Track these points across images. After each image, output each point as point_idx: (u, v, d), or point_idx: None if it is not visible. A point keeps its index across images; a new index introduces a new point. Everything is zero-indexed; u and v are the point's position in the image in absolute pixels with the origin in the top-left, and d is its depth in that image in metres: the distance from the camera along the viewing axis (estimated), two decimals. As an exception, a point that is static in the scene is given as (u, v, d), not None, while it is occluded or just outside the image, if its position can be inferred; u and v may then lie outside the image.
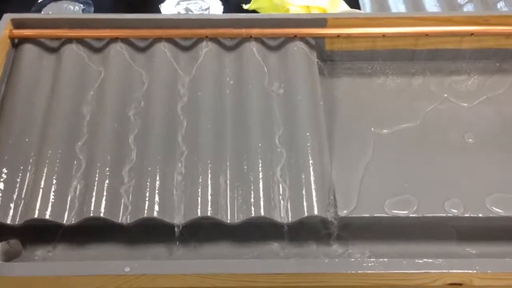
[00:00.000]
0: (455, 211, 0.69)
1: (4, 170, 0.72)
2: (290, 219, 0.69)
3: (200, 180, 0.71)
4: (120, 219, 0.69)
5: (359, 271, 0.63)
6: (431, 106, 0.83)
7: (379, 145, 0.77)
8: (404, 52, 0.88)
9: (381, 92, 0.86)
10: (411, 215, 0.69)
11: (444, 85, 0.86)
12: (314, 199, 0.69)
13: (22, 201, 0.70)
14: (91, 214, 0.68)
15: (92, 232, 0.72)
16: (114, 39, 0.84)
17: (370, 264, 0.65)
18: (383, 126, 0.80)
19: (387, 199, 0.71)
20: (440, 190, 0.71)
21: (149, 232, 0.72)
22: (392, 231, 0.71)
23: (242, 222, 0.69)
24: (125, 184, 0.71)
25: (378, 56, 0.89)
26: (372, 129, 0.79)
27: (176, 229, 0.69)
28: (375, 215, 0.69)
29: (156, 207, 0.69)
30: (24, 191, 0.71)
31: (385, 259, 0.64)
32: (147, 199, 0.70)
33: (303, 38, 0.84)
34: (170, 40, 0.85)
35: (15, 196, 0.70)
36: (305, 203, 0.69)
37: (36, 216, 0.68)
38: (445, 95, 0.84)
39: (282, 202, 0.70)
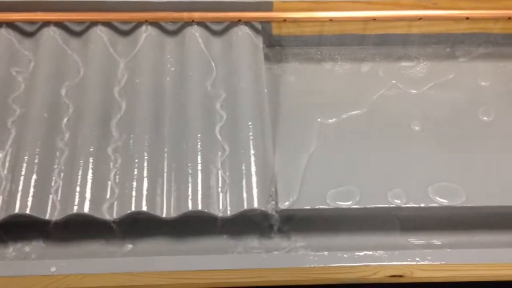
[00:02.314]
0: (398, 201, 0.67)
1: None
2: (229, 212, 0.66)
3: (135, 173, 0.68)
4: (48, 215, 0.65)
5: (298, 266, 0.62)
6: (378, 93, 0.81)
7: (324, 134, 0.75)
8: (353, 37, 0.85)
9: (329, 78, 0.83)
10: (354, 206, 0.67)
11: (393, 71, 0.84)
12: (255, 192, 0.67)
13: None
14: (16, 211, 0.64)
15: (21, 230, 0.68)
16: (46, 23, 0.79)
17: (310, 258, 0.63)
18: (329, 114, 0.78)
19: (329, 190, 0.69)
20: (384, 180, 0.69)
21: (82, 229, 0.68)
22: (335, 223, 0.69)
23: (179, 217, 0.66)
24: (54, 179, 0.67)
25: (327, 41, 0.86)
26: (319, 119, 0.76)
27: (110, 225, 0.66)
28: (317, 207, 0.67)
29: (87, 203, 0.65)
30: None
31: (326, 253, 0.63)
32: (77, 194, 0.66)
33: (248, 23, 0.81)
34: (107, 24, 0.80)
35: None
36: (245, 196, 0.67)
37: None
38: (393, 81, 0.82)
39: (221, 195, 0.67)
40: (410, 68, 0.84)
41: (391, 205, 0.67)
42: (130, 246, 0.68)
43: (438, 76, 0.83)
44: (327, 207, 0.67)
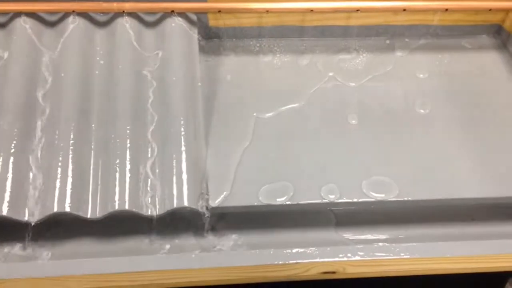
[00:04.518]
0: (332, 196, 0.66)
1: None
2: (158, 211, 0.64)
3: (58, 172, 0.64)
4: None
5: (229, 265, 0.60)
6: (316, 86, 0.79)
7: (260, 129, 0.73)
8: (292, 28, 0.84)
9: (267, 71, 0.81)
10: (287, 203, 0.66)
11: (331, 64, 0.82)
12: (185, 189, 0.64)
13: None
14: None
15: None
16: (-35, 13, 0.74)
17: (240, 257, 0.61)
18: (266, 108, 0.76)
19: (262, 186, 0.67)
20: (318, 175, 0.68)
21: (2, 232, 0.65)
22: (269, 219, 0.68)
23: (105, 217, 0.63)
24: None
25: (266, 33, 0.84)
26: (255, 113, 0.75)
27: (31, 226, 0.62)
28: (249, 204, 0.65)
29: (6, 204, 0.62)
30: None
31: (256, 251, 0.61)
32: (-3, 194, 0.62)
33: (182, 14, 0.78)
34: (31, 14, 0.76)
35: None
36: (175, 194, 0.64)
37: None
38: (331, 74, 0.81)
39: (150, 193, 0.65)
40: (349, 61, 0.83)
41: (325, 201, 0.66)
42: (52, 249, 0.65)
43: (377, 69, 0.82)
44: (259, 204, 0.65)
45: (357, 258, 0.61)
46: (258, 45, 0.84)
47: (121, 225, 0.66)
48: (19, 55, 0.73)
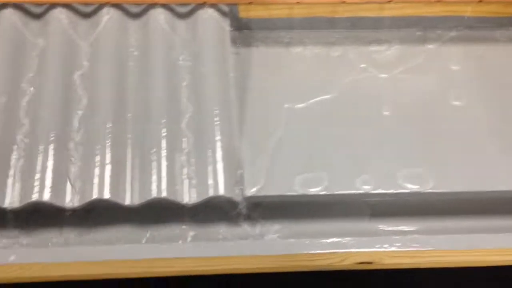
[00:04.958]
0: (367, 187, 0.66)
1: None
2: (194, 200, 0.64)
3: (97, 160, 0.65)
4: (6, 203, 0.63)
5: (264, 254, 0.60)
6: (348, 77, 0.79)
7: (292, 119, 0.74)
8: (323, 20, 0.84)
9: (298, 62, 0.81)
10: (322, 193, 0.66)
11: (363, 55, 0.82)
12: (221, 178, 0.65)
13: None
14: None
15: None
16: (3, 4, 0.75)
17: (276, 246, 0.61)
18: (298, 99, 0.76)
19: (297, 176, 0.67)
20: (352, 166, 0.68)
21: (41, 216, 0.66)
22: (303, 209, 0.68)
23: (143, 204, 0.64)
24: (13, 165, 0.64)
25: (296, 24, 0.84)
26: (286, 104, 0.75)
27: (69, 213, 0.63)
28: (284, 193, 0.65)
29: (48, 190, 0.63)
30: None
31: (292, 240, 0.61)
32: (37, 181, 0.63)
33: (214, 5, 0.78)
34: (67, 5, 0.76)
35: None
36: (210, 183, 0.65)
37: None
38: (364, 66, 0.80)
39: (186, 182, 0.65)
40: (381, 52, 0.83)
41: (360, 191, 0.66)
42: (91, 234, 0.66)
43: (409, 60, 0.82)
44: (294, 193, 0.66)
45: (394, 248, 0.61)
46: (288, 36, 0.84)
47: (158, 213, 0.66)
48: (55, 46, 0.74)
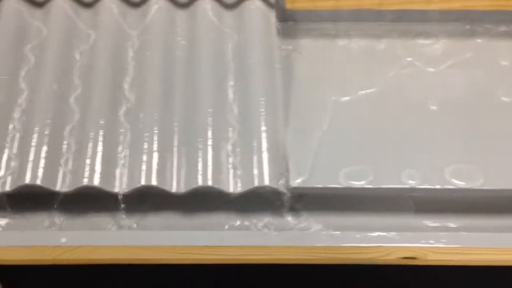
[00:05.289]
0: (413, 182, 0.66)
1: None
2: (239, 189, 0.65)
3: (145, 147, 0.67)
4: (58, 187, 0.65)
5: (309, 245, 0.60)
6: (394, 71, 0.78)
7: (337, 112, 0.73)
8: (370, 12, 0.83)
9: (343, 55, 0.81)
10: (367, 186, 0.65)
11: (409, 49, 0.81)
12: (266, 169, 0.65)
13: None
14: (27, 182, 0.64)
15: (30, 200, 0.67)
16: (56, -7, 0.77)
17: (321, 237, 0.62)
18: (343, 92, 0.76)
19: (342, 169, 0.67)
20: (398, 160, 0.68)
21: (91, 201, 0.67)
22: (347, 202, 0.68)
23: (188, 192, 0.65)
24: (64, 150, 0.66)
25: (342, 16, 0.84)
26: (332, 97, 0.74)
27: (118, 198, 0.65)
28: (329, 185, 0.65)
29: (97, 175, 0.65)
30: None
31: (337, 232, 0.61)
32: (87, 167, 0.65)
33: (261, -4, 0.79)
34: (117, -5, 0.78)
35: None
36: (256, 173, 0.65)
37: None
38: (410, 59, 0.79)
39: (231, 171, 0.66)
40: (428, 46, 0.82)
41: (405, 186, 0.65)
42: (138, 220, 0.67)
43: (457, 54, 0.80)
44: (339, 186, 0.66)
45: (440, 245, 0.61)
46: (334, 28, 0.84)
47: (203, 201, 0.67)
48: (105, 35, 0.75)
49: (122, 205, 0.66)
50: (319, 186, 0.65)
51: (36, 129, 0.67)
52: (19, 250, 0.62)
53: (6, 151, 0.66)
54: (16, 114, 0.69)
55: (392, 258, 0.61)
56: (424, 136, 0.70)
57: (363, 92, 0.76)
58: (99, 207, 0.67)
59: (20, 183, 0.64)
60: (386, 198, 0.68)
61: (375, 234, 0.61)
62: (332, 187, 0.65)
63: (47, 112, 0.69)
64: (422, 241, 0.61)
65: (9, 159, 0.66)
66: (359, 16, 0.84)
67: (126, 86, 0.72)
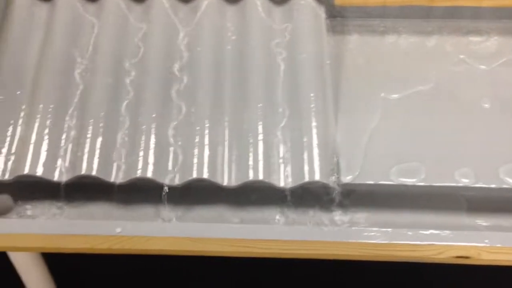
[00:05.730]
0: (466, 180, 0.65)
1: (-7, 124, 0.69)
2: (290, 184, 0.65)
3: (196, 140, 0.68)
4: (112, 178, 0.66)
5: (360, 241, 0.60)
6: (445, 68, 0.77)
7: (387, 108, 0.73)
8: (419, 9, 0.82)
9: (392, 51, 0.80)
10: (419, 184, 0.65)
11: (461, 46, 0.80)
12: (316, 164, 0.66)
13: (13, 156, 0.67)
14: (83, 172, 0.66)
15: (83, 190, 0.69)
16: (109, -12, 0.79)
17: (372, 234, 0.61)
18: (393, 89, 0.75)
19: (393, 166, 0.67)
20: (451, 158, 0.67)
21: (141, 193, 0.69)
22: (398, 199, 0.68)
23: (239, 186, 0.66)
24: (118, 142, 0.68)
25: (390, 13, 0.83)
26: (382, 93, 0.74)
27: (167, 190, 0.66)
28: (380, 182, 0.65)
29: (150, 167, 0.66)
30: (14, 145, 0.68)
31: (389, 229, 0.61)
32: (140, 158, 0.67)
33: (310, -9, 0.79)
34: (169, -10, 0.79)
35: (5, 151, 0.67)
36: (306, 168, 0.66)
37: (26, 172, 0.65)
38: (462, 56, 0.78)
39: (282, 166, 0.66)
40: (480, 43, 0.80)
41: (459, 184, 0.65)
42: (186, 212, 0.68)
43: (509, 52, 0.79)
44: (390, 183, 0.65)
45: (495, 244, 0.60)
46: (382, 25, 0.83)
47: (252, 195, 0.68)
48: (157, 29, 0.77)
49: (170, 198, 0.67)
50: (371, 182, 0.65)
51: (91, 121, 0.69)
52: (73, 239, 0.64)
53: (63, 143, 0.68)
54: (72, 108, 0.71)
55: (444, 257, 0.61)
56: (477, 134, 0.69)
57: (414, 89, 0.75)
58: (150, 198, 0.68)
59: (76, 174, 0.66)
60: (437, 196, 0.67)
61: (428, 232, 0.61)
62: (383, 184, 0.65)
63: (101, 106, 0.70)
64: (476, 240, 0.60)
65: (65, 150, 0.68)
66: (408, 13, 0.83)
67: (177, 79, 0.73)
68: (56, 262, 0.78)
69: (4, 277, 0.77)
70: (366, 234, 0.61)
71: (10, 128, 0.69)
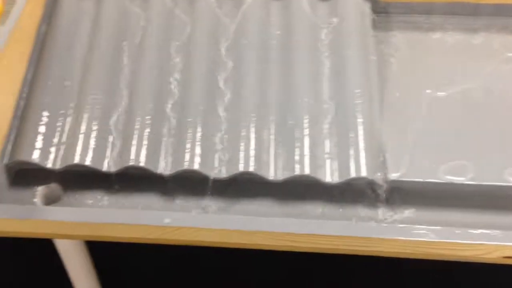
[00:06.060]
0: (518, 180, 0.64)
1: (45, 113, 0.70)
2: (336, 180, 0.65)
3: (242, 134, 0.68)
4: (159, 169, 0.67)
5: (408, 238, 0.60)
6: (493, 66, 0.76)
7: (434, 106, 0.72)
8: (466, 5, 0.81)
9: (438, 48, 0.79)
10: (467, 183, 0.64)
11: (508, 44, 0.79)
12: (363, 160, 0.66)
13: (63, 146, 0.69)
14: (131, 163, 0.67)
15: (131, 181, 0.70)
16: (155, -18, 0.80)
17: (420, 232, 0.61)
18: (439, 87, 0.75)
19: (441, 164, 0.66)
20: (500, 157, 0.66)
21: (187, 184, 0.70)
22: (445, 198, 0.67)
23: (285, 180, 0.66)
24: (166, 134, 0.69)
25: (436, 9, 0.82)
26: (428, 91, 0.73)
27: (213, 183, 0.67)
28: (428, 180, 0.65)
29: (197, 160, 0.67)
30: (65, 135, 0.69)
31: (437, 227, 0.61)
32: (187, 151, 0.67)
33: (355, -13, 0.78)
34: (213, -15, 0.80)
35: (55, 141, 0.69)
36: (352, 164, 0.66)
37: (76, 162, 0.67)
38: (510, 55, 0.77)
39: (328, 161, 0.66)
40: (529, 42, 0.79)
41: (509, 184, 0.64)
42: (233, 205, 0.69)
43: (560, 51, 0.78)
44: (439, 181, 0.65)
45: (547, 245, 0.59)
46: (427, 21, 0.82)
47: (296, 190, 0.68)
48: (201, 23, 0.77)
49: (215, 190, 0.68)
50: (419, 180, 0.65)
51: (139, 112, 0.70)
52: (121, 228, 0.65)
53: (111, 134, 0.69)
54: (120, 99, 0.72)
55: (492, 257, 0.60)
56: (527, 134, 0.68)
57: (461, 87, 0.74)
58: (196, 190, 0.69)
59: (124, 165, 0.67)
60: (485, 195, 0.66)
61: (478, 231, 0.60)
62: (431, 182, 0.65)
63: (148, 98, 0.71)
64: (528, 241, 0.60)
65: (113, 141, 0.69)
66: (454, 10, 0.82)
67: (222, 74, 0.74)
68: (99, 251, 0.79)
69: (48, 264, 0.78)
70: (415, 231, 0.61)
71: (61, 119, 0.71)
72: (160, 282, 0.85)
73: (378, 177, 0.65)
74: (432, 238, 0.60)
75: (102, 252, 0.74)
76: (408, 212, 0.67)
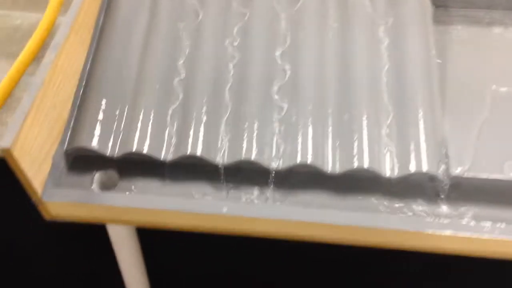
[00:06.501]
0: None
1: (103, 102, 0.71)
2: (396, 174, 0.64)
3: (300, 127, 0.68)
4: (216, 159, 0.67)
5: (474, 235, 0.59)
6: (559, 62, 0.74)
7: (497, 102, 0.70)
8: (529, 0, 0.79)
9: (499, 44, 0.77)
10: (537, 181, 0.62)
11: None
12: (424, 155, 0.64)
13: (121, 134, 0.69)
14: (188, 153, 0.67)
15: (187, 170, 0.70)
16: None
17: (485, 229, 0.60)
18: (501, 82, 0.73)
19: (506, 160, 0.64)
20: None
21: (242, 175, 0.69)
22: (507, 195, 0.65)
23: (343, 173, 0.65)
24: (223, 125, 0.69)
25: (497, 4, 0.80)
26: (493, 86, 0.72)
27: (272, 174, 0.66)
28: (493, 177, 0.63)
29: (254, 150, 0.67)
30: (123, 123, 0.70)
31: (503, 225, 0.59)
32: (245, 141, 0.67)
33: (415, -20, 0.77)
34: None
35: (114, 128, 0.70)
36: (413, 158, 0.64)
37: (134, 150, 0.67)
38: None
39: (388, 155, 0.65)
40: None
41: None
42: (289, 196, 0.68)
43: None
44: (504, 178, 0.63)
45: None
46: (488, 16, 0.80)
47: (354, 183, 0.67)
48: (258, 15, 0.77)
49: (270, 181, 0.67)
50: (484, 177, 0.63)
51: (196, 102, 0.70)
52: (178, 215, 0.65)
53: (168, 123, 0.70)
54: (177, 90, 0.72)
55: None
56: None
57: (524, 83, 0.72)
58: (253, 181, 0.69)
59: (181, 154, 0.67)
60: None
61: (545, 230, 0.58)
62: (496, 178, 0.63)
63: (205, 90, 0.71)
64: None
65: (170, 130, 0.69)
66: (515, 5, 0.80)
67: (279, 68, 0.73)
68: (148, 239, 0.80)
69: (99, 249, 0.80)
70: (477, 228, 0.59)
71: (119, 106, 0.71)
72: (207, 273, 0.85)
73: (439, 172, 0.64)
74: (497, 235, 0.59)
75: (150, 240, 0.75)
76: (469, 209, 0.65)
